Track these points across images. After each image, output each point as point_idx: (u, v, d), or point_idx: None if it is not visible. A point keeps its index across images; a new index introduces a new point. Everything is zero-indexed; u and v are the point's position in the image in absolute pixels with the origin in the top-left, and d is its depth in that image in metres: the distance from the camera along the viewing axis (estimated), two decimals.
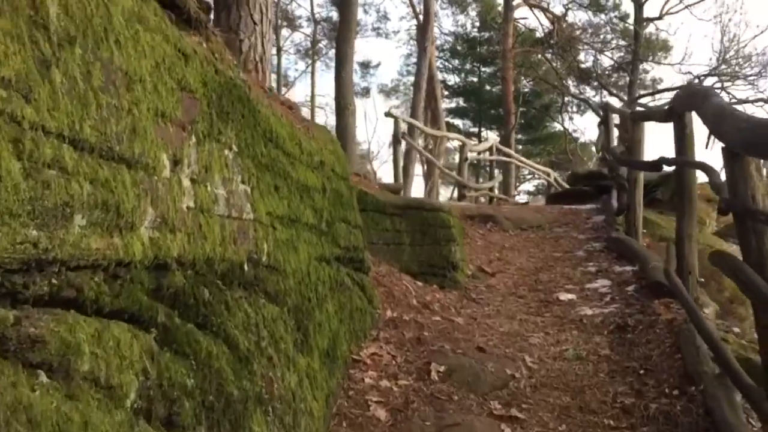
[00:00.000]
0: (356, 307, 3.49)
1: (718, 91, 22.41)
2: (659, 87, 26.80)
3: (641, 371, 3.42)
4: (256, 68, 5.41)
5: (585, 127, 47.34)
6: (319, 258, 3.16)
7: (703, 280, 4.63)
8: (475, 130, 34.11)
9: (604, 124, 11.83)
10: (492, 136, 14.88)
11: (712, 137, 3.16)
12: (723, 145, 2.67)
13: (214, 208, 2.10)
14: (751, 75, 21.70)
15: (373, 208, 4.92)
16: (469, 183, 13.51)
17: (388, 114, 11.76)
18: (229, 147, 2.30)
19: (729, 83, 22.34)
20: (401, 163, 11.77)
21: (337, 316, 3.16)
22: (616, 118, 9.46)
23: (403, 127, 12.43)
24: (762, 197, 2.49)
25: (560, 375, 3.46)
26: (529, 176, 31.25)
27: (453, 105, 33.67)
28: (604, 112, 11.92)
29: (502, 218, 8.09)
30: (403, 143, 12.06)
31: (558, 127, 30.40)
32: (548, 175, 17.04)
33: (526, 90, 30.63)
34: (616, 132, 9.99)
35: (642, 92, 24.31)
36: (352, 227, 3.73)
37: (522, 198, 35.34)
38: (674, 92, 20.39)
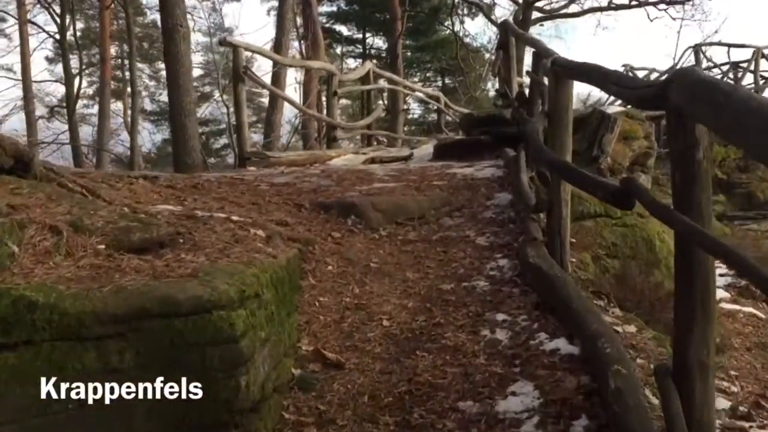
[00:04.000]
0: None
1: None
2: None
3: None
4: None
5: (476, 32, 44.79)
6: None
7: None
8: (359, 36, 31.17)
9: (503, 49, 9.34)
10: (368, 63, 12.20)
11: None
12: None
13: None
14: None
15: (55, 335, 2.28)
16: (339, 122, 10.84)
17: (223, 42, 8.74)
18: None
19: None
20: (244, 112, 8.44)
21: None
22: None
23: (251, 57, 9.54)
24: None
25: None
26: (419, 84, 28.86)
27: (333, 8, 30.39)
28: (504, 32, 9.40)
29: (369, 208, 5.60)
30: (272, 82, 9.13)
31: (448, 31, 28.07)
32: (438, 100, 14.60)
33: None
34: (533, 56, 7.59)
35: None
36: None
37: (414, 108, 32.86)
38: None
